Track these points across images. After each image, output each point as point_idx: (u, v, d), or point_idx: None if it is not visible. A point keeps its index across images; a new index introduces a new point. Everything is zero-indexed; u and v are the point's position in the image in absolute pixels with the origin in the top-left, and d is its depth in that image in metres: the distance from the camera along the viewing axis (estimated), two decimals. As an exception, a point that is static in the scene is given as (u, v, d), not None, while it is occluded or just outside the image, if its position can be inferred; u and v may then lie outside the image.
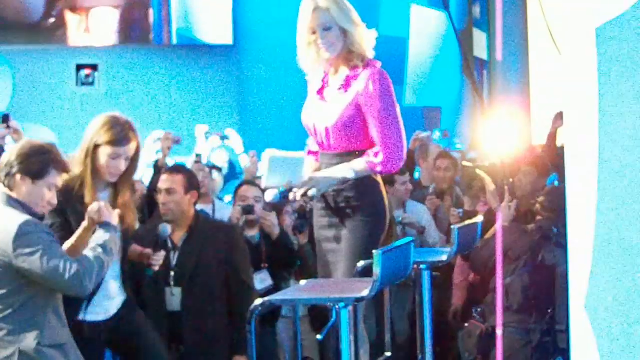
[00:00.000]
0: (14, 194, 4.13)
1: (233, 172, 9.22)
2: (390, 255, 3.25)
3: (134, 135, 4.52)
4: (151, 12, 12.64)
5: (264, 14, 12.37)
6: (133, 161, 4.55)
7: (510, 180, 6.37)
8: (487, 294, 6.03)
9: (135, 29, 12.56)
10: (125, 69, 12.43)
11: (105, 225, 4.15)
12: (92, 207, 4.19)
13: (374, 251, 3.17)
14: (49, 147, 4.28)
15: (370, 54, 4.28)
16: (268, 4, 12.29)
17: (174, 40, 12.71)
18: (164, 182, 5.48)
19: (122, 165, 4.49)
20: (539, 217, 6.09)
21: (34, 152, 4.19)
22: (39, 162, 4.16)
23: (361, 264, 3.93)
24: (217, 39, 12.78)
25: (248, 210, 6.12)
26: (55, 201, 4.22)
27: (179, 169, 5.67)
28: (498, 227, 5.52)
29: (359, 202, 4.21)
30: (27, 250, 3.97)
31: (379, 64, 4.27)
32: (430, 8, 12.01)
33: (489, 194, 6.44)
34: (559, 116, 8.62)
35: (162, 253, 4.79)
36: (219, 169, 8.70)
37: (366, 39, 4.26)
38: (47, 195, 4.17)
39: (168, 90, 12.40)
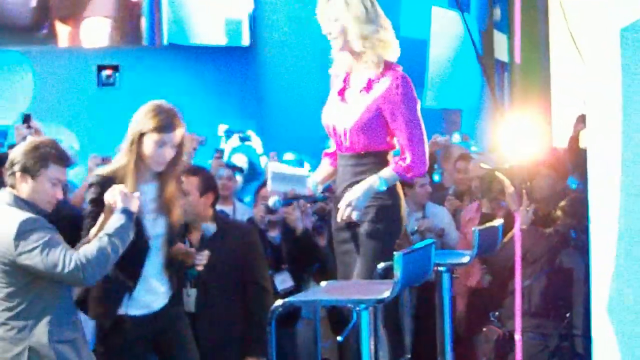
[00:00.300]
0: (19, 193, 4.17)
1: (253, 173, 9.20)
2: (411, 257, 3.25)
3: (179, 123, 4.40)
4: (169, 13, 12.67)
5: (282, 16, 12.38)
6: (179, 151, 4.43)
7: (528, 183, 6.34)
8: (504, 297, 6.00)
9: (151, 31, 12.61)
10: (146, 69, 12.46)
11: (121, 212, 4.09)
12: (110, 191, 4.13)
13: (394, 253, 3.17)
14: (46, 142, 4.29)
15: (389, 57, 4.28)
16: (286, 5, 12.29)
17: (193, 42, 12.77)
18: None
19: (168, 153, 4.36)
20: (557, 221, 6.06)
21: (30, 149, 4.21)
22: (34, 157, 4.17)
23: (381, 265, 3.93)
24: (235, 40, 12.80)
25: (272, 209, 6.13)
26: (61, 195, 4.24)
27: (194, 170, 5.65)
28: (516, 230, 5.49)
29: (375, 203, 4.21)
30: (28, 248, 4.02)
31: (400, 68, 4.29)
32: (450, 9, 11.98)
33: (508, 197, 6.41)
34: (581, 119, 8.58)
35: (206, 252, 4.63)
36: (240, 170, 8.69)
37: (386, 43, 4.27)
38: (50, 189, 4.18)
39: (188, 92, 12.41)
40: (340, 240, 4.31)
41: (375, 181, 4.17)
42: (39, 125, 6.63)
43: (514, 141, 6.13)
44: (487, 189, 6.74)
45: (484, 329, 6.15)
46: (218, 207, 6.25)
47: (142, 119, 4.37)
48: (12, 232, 4.04)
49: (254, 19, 12.79)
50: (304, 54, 11.51)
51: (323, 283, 3.88)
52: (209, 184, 5.49)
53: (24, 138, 6.61)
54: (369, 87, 4.25)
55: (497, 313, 6.08)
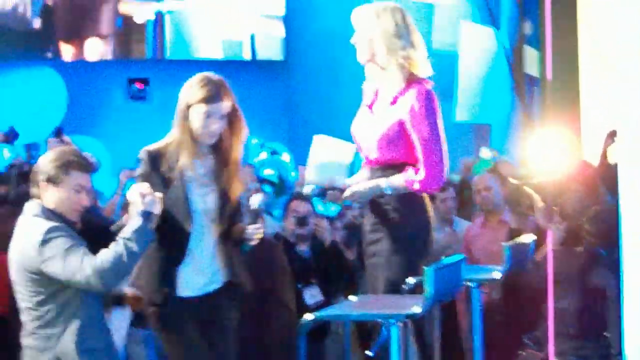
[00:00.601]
0: (45, 203, 4.23)
1: (282, 187, 9.22)
2: (441, 272, 3.24)
3: (227, 93, 4.26)
4: (201, 26, 12.72)
5: (314, 31, 12.40)
6: (232, 124, 4.29)
7: (559, 200, 6.31)
8: (539, 319, 5.95)
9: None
10: (176, 82, 12.51)
11: (140, 214, 4.03)
12: (131, 190, 4.08)
13: (424, 268, 3.16)
14: (67, 150, 4.36)
15: (417, 73, 4.28)
16: (319, 21, 12.32)
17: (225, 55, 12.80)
18: None
19: (217, 124, 4.21)
20: (585, 238, 6.01)
21: (51, 158, 4.26)
22: (55, 166, 4.21)
23: (412, 280, 3.93)
24: (268, 54, 12.83)
25: (302, 221, 6.17)
26: (86, 202, 4.25)
27: None
28: (548, 249, 5.47)
29: (402, 219, 4.22)
30: (50, 254, 4.06)
31: (428, 84, 4.29)
32: (480, 24, 11.95)
33: (537, 212, 6.38)
34: (611, 135, 8.53)
35: (259, 225, 4.39)
36: (270, 183, 8.72)
37: (414, 59, 4.27)
38: (73, 196, 4.21)
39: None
40: (369, 254, 4.30)
41: (383, 183, 4.21)
42: (69, 139, 6.69)
43: (543, 156, 6.13)
44: (516, 203, 6.72)
45: (522, 354, 6.09)
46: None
47: (188, 91, 4.26)
48: (38, 240, 4.09)
49: (287, 34, 12.82)
50: (336, 69, 11.53)
51: (353, 297, 3.88)
52: None
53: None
54: (394, 101, 4.27)
55: (531, 336, 6.03)
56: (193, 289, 4.23)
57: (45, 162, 4.23)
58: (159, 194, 4.05)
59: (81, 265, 4.03)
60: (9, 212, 5.93)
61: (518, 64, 12.45)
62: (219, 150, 4.29)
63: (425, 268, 3.14)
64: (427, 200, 4.30)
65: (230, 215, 4.28)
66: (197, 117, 4.20)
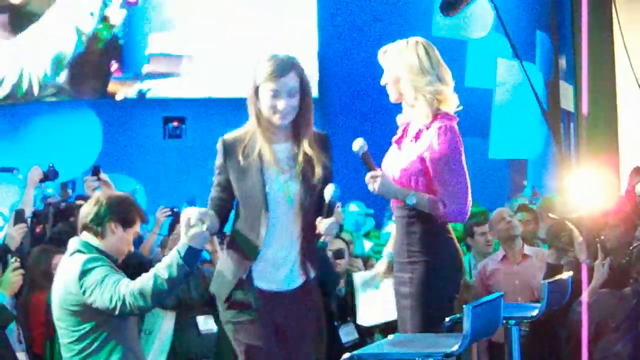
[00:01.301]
0: (96, 242, 4.27)
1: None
2: (480, 309, 3.21)
3: (293, 67, 4.03)
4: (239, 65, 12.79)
5: (348, 68, 12.43)
6: (303, 103, 4.08)
7: (602, 237, 6.25)
8: None
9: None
10: (212, 121, 12.57)
11: (181, 249, 3.94)
12: (184, 213, 3.94)
13: (464, 306, 3.13)
14: (133, 198, 4.54)
15: (444, 108, 4.23)
16: (353, 57, 12.36)
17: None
18: None
19: (285, 103, 3.99)
20: (632, 278, 5.92)
21: (125, 202, 4.36)
22: (130, 211, 4.37)
23: (449, 319, 3.89)
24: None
25: (339, 254, 6.19)
26: (132, 248, 4.38)
27: None
28: (588, 287, 5.41)
29: (428, 258, 4.14)
30: (88, 285, 4.12)
31: (453, 119, 4.23)
32: (515, 60, 11.95)
33: (577, 246, 6.33)
34: (637, 171, 8.49)
35: (330, 220, 3.95)
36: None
37: (442, 94, 4.22)
38: (131, 242, 4.39)
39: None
40: (400, 294, 4.23)
41: (408, 192, 4.14)
42: (107, 177, 6.72)
43: (581, 191, 6.09)
44: (555, 238, 6.67)
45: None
46: None
47: (255, 71, 4.04)
48: (77, 272, 4.18)
49: (320, 72, 12.86)
50: (370, 105, 11.56)
51: (390, 336, 3.85)
52: None
53: (94, 190, 6.71)
54: (417, 136, 4.24)
55: None
56: (270, 283, 4.02)
57: (119, 205, 4.36)
58: (205, 227, 3.89)
59: (117, 288, 4.08)
60: (44, 250, 5.96)
61: (553, 99, 12.42)
62: (295, 134, 4.09)
63: (464, 306, 3.11)
64: (453, 237, 4.25)
65: (312, 204, 4.02)
66: (264, 97, 4.00)
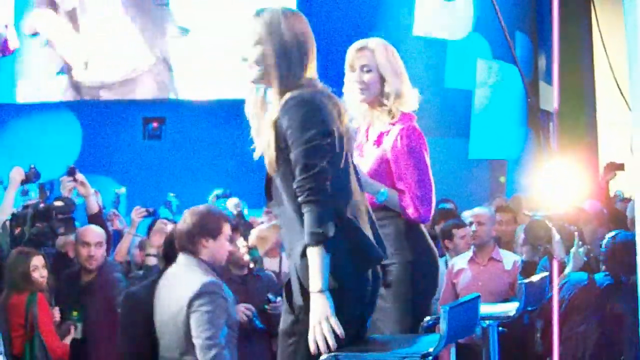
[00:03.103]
0: (199, 257, 4.57)
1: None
2: (457, 310, 3.21)
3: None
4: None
5: (332, 69, 12.44)
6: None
7: (574, 227, 6.33)
8: (560, 343, 5.93)
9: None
10: (192, 122, 12.54)
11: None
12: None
13: (440, 306, 3.14)
14: (210, 206, 4.96)
15: (405, 108, 4.23)
16: (336, 60, 12.36)
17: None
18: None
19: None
20: (604, 267, 6.01)
21: (205, 214, 4.64)
22: (213, 221, 4.62)
23: (427, 319, 3.89)
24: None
25: None
26: (226, 252, 4.66)
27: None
28: (555, 277, 5.50)
29: (403, 259, 4.14)
30: (201, 309, 4.20)
31: (413, 119, 4.24)
32: (495, 61, 11.97)
33: (555, 244, 6.39)
34: (610, 167, 8.58)
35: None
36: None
37: (406, 96, 4.22)
38: (227, 247, 4.66)
39: (235, 145, 12.44)
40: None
41: (379, 187, 4.14)
42: (83, 178, 6.69)
43: (556, 189, 6.16)
44: (535, 236, 6.72)
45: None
46: (265, 260, 6.41)
47: None
48: (194, 290, 4.40)
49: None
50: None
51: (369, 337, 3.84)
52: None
53: (70, 190, 6.68)
54: (379, 140, 4.23)
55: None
56: None
57: (202, 219, 4.60)
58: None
59: (214, 343, 4.32)
60: (23, 252, 5.93)
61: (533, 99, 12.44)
62: None
63: (441, 307, 3.12)
64: (425, 233, 4.25)
65: None
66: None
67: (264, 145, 3.37)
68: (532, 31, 12.83)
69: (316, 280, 3.18)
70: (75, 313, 6.11)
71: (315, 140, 3.24)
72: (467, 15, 11.79)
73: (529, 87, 12.10)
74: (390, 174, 4.18)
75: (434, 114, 8.90)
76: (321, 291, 3.18)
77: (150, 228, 6.51)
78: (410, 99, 4.24)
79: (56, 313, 6.00)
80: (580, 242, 6.09)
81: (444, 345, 3.13)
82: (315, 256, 3.18)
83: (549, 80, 13.01)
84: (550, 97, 13.30)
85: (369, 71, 4.25)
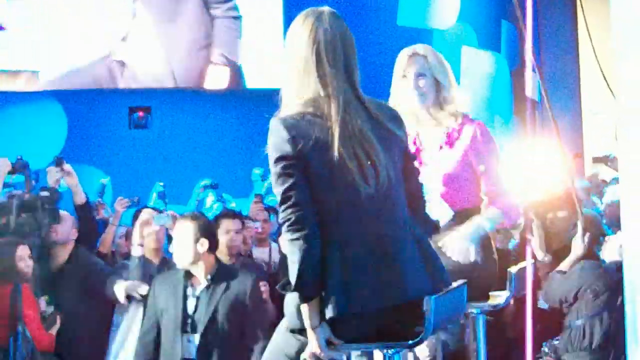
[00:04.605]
0: None
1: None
2: (442, 299, 3.20)
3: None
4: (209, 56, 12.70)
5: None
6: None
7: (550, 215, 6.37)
8: (561, 329, 5.96)
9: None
10: (178, 112, 12.51)
11: None
12: None
13: (425, 296, 3.12)
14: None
15: (463, 110, 4.22)
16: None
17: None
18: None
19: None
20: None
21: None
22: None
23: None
24: (272, 83, 12.81)
25: None
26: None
27: (190, 216, 5.81)
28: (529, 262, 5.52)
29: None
30: None
31: (472, 116, 4.23)
32: (480, 49, 11.99)
33: (535, 231, 6.42)
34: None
35: None
36: (275, 211, 8.72)
37: (458, 96, 4.21)
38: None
39: (221, 135, 12.43)
40: None
41: (483, 221, 4.04)
42: (70, 168, 6.67)
43: (535, 177, 6.19)
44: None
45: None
46: (255, 249, 6.45)
47: None
48: None
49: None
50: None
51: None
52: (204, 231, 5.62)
53: (57, 181, 6.66)
54: (450, 142, 4.17)
55: (550, 344, 6.03)
56: None
57: None
58: None
59: None
60: (8, 242, 5.92)
61: (518, 88, 12.46)
62: None
63: (426, 296, 3.10)
64: None
65: None
66: None
67: None
68: (518, 20, 12.83)
69: (304, 318, 3.15)
70: (46, 297, 6.08)
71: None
72: (452, 4, 11.80)
73: (514, 75, 12.13)
74: (471, 177, 4.13)
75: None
76: (310, 327, 3.14)
77: (136, 217, 6.49)
78: (464, 99, 4.25)
79: (42, 303, 5.98)
80: (583, 230, 6.10)
81: (429, 334, 3.13)
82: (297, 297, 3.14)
83: (533, 70, 13.02)
84: (536, 85, 13.32)
85: (423, 75, 4.18)
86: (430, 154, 4.17)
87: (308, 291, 3.07)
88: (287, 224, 3.08)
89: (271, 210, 8.35)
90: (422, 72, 4.15)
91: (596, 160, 9.25)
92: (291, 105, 3.25)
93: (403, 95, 4.16)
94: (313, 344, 3.13)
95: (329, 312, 3.09)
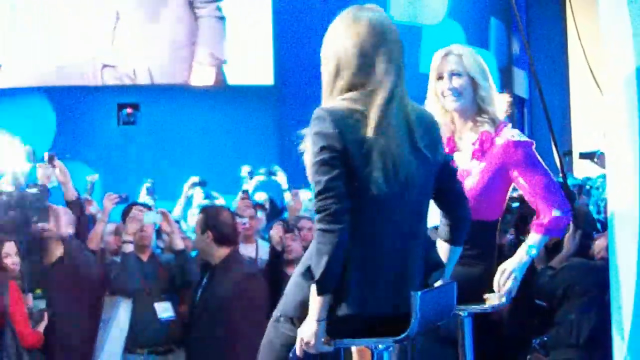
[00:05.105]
0: None
1: (276, 210, 9.18)
2: (429, 295, 3.20)
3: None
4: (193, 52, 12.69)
5: (304, 54, 12.39)
6: None
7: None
8: (551, 325, 5.96)
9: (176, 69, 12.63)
10: (167, 108, 12.50)
11: None
12: None
13: (412, 292, 3.12)
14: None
15: (501, 116, 4.02)
16: (308, 44, 12.31)
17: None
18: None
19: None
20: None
21: None
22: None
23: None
24: (258, 79, 12.80)
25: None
26: None
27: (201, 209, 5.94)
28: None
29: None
30: None
31: (510, 126, 4.02)
32: (469, 46, 12.00)
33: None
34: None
35: None
36: (263, 208, 8.71)
37: (497, 100, 4.03)
38: None
39: (209, 131, 12.43)
40: None
41: (526, 251, 3.89)
42: (62, 165, 6.63)
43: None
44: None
45: (529, 357, 6.08)
46: (242, 246, 6.49)
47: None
48: None
49: (276, 58, 12.79)
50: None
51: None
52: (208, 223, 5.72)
53: (48, 177, 6.64)
54: (482, 150, 3.98)
55: (540, 341, 6.04)
56: None
57: None
58: None
59: None
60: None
61: (507, 85, 12.49)
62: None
63: (413, 292, 3.10)
64: None
65: None
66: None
67: None
68: (507, 17, 12.86)
69: (312, 310, 3.12)
70: (38, 291, 6.07)
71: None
72: (441, 1, 11.80)
73: (502, 72, 12.13)
74: (501, 188, 3.97)
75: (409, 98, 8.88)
76: (316, 320, 3.11)
77: (125, 214, 6.48)
78: (503, 107, 4.06)
79: (29, 300, 5.95)
80: (574, 226, 6.09)
81: (415, 331, 3.12)
82: (311, 289, 3.12)
83: (522, 66, 13.06)
84: (523, 82, 13.35)
85: (458, 75, 4.03)
86: (463, 159, 4.02)
87: (330, 285, 3.05)
88: (324, 213, 3.04)
89: (258, 207, 8.34)
90: (458, 71, 4.02)
91: (582, 156, 9.28)
92: (337, 97, 3.24)
93: (439, 96, 4.05)
94: (310, 335, 3.10)
95: (344, 310, 3.09)
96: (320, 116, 3.15)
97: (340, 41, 3.27)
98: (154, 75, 12.50)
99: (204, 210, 6.46)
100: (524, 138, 3.95)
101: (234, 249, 6.15)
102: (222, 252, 6.03)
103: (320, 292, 3.06)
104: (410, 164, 3.16)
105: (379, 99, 3.17)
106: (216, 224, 6.05)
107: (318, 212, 3.06)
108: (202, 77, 12.61)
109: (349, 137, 3.10)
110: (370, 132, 3.12)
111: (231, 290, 5.76)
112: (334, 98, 3.24)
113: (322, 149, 3.10)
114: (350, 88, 3.22)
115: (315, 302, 3.09)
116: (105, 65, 12.40)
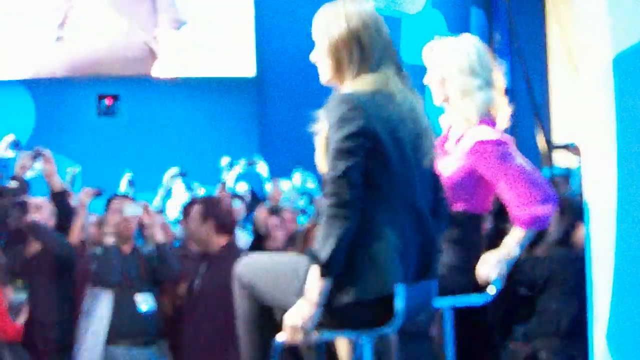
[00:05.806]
0: None
1: (256, 200, 9.17)
2: (413, 289, 3.20)
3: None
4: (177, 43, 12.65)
5: (286, 46, 12.36)
6: None
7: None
8: (532, 314, 5.98)
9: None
10: (147, 99, 12.45)
11: None
12: None
13: (394, 285, 3.12)
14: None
15: (473, 114, 4.00)
16: (290, 36, 12.29)
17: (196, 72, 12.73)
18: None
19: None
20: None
21: None
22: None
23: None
24: (239, 71, 12.77)
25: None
26: None
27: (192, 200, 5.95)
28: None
29: None
30: None
31: (495, 127, 4.02)
32: (449, 35, 12.00)
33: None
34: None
35: None
36: (242, 199, 8.70)
37: (486, 98, 4.02)
38: None
39: (190, 123, 12.40)
40: None
41: (511, 247, 3.91)
42: (50, 154, 6.56)
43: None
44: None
45: (510, 346, 6.09)
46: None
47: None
48: None
49: (258, 50, 12.75)
50: (313, 84, 11.49)
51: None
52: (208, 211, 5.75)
53: (25, 168, 6.59)
54: (460, 139, 4.00)
55: (521, 329, 6.06)
56: None
57: None
58: None
59: None
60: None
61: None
62: None
63: (395, 285, 3.10)
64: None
65: None
66: None
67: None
68: (487, 6, 12.86)
69: (308, 292, 3.13)
70: (18, 282, 6.05)
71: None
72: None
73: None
74: (477, 180, 3.94)
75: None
76: (313, 303, 3.12)
77: (107, 206, 6.47)
78: (499, 105, 4.05)
79: (9, 292, 5.93)
80: (559, 215, 6.11)
81: (399, 324, 3.13)
82: (311, 274, 3.12)
83: (504, 56, 13.06)
84: (506, 72, 13.35)
85: (434, 69, 4.10)
86: (450, 146, 4.05)
87: (335, 268, 3.06)
88: (339, 199, 3.06)
89: (236, 197, 8.33)
90: (434, 66, 4.10)
91: (557, 147, 9.34)
92: (354, 80, 3.29)
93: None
94: (305, 319, 3.11)
95: (351, 295, 3.12)
96: (343, 100, 3.18)
97: (349, 25, 3.33)
98: (134, 66, 12.44)
99: (204, 200, 6.48)
100: (494, 136, 3.91)
101: (231, 238, 6.19)
102: (221, 241, 6.09)
103: (324, 274, 3.06)
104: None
105: (393, 77, 3.31)
106: (218, 213, 6.11)
107: (329, 195, 3.08)
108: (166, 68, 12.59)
109: (375, 117, 3.16)
110: (395, 109, 3.22)
111: (231, 278, 5.75)
112: (351, 81, 3.29)
113: (346, 136, 3.13)
114: (362, 71, 3.30)
115: (317, 286, 3.08)
116: (83, 56, 12.33)
